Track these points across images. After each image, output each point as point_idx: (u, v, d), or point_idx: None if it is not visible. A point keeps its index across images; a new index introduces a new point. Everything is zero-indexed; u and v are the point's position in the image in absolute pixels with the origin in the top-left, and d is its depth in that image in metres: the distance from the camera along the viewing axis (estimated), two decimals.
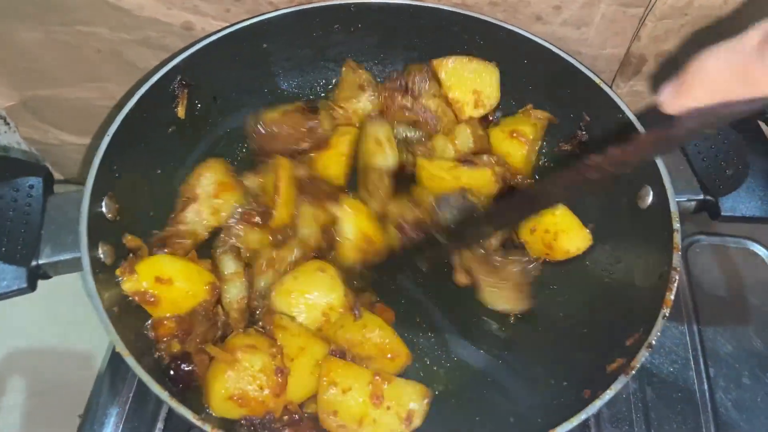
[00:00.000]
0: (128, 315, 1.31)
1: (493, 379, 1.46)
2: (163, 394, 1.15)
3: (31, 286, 1.29)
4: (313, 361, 1.34)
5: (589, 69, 1.55)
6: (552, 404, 1.34)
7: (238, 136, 1.70)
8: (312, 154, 1.66)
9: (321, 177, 1.64)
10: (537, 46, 1.59)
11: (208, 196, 1.53)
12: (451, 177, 1.56)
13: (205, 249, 1.53)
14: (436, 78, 1.67)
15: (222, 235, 1.52)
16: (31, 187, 1.37)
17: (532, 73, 1.66)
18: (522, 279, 1.48)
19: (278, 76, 1.74)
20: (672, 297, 1.25)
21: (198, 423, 1.13)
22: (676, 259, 1.29)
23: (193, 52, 1.54)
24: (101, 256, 1.31)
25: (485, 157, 1.59)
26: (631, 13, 1.55)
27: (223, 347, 1.31)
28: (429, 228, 1.52)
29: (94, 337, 1.71)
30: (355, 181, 1.66)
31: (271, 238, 1.53)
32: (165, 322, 1.36)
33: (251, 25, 1.59)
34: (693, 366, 1.61)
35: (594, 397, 1.16)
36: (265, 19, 1.59)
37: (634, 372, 1.18)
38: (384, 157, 1.63)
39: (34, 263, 1.30)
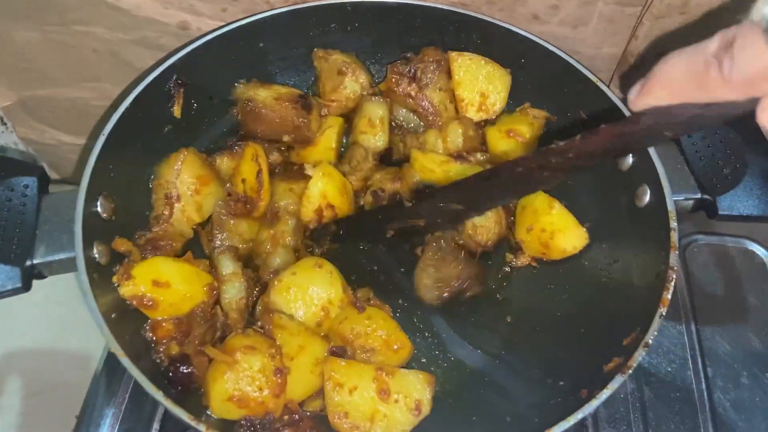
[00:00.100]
0: (126, 317, 1.31)
1: (490, 379, 1.45)
2: (158, 395, 1.14)
3: (26, 286, 1.29)
4: (313, 360, 1.34)
5: (586, 68, 1.55)
6: (549, 404, 1.33)
7: (234, 135, 1.69)
8: (295, 149, 1.67)
9: (293, 162, 1.68)
10: (535, 45, 1.59)
11: (191, 194, 1.53)
12: (441, 171, 1.57)
13: (200, 249, 1.53)
14: (446, 71, 1.67)
15: (215, 232, 1.52)
16: (26, 186, 1.37)
17: (530, 72, 1.66)
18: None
19: (275, 75, 1.73)
20: (669, 296, 1.25)
21: (192, 423, 1.13)
22: (673, 258, 1.29)
23: (190, 51, 1.54)
24: (96, 255, 1.30)
25: (478, 155, 1.60)
26: (629, 13, 1.54)
27: (221, 348, 1.31)
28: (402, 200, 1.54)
29: (91, 338, 1.71)
30: None
31: (259, 224, 1.56)
32: (163, 324, 1.36)
33: (247, 24, 1.59)
34: (691, 366, 1.61)
35: (591, 396, 1.16)
36: (261, 19, 1.60)
37: (631, 371, 1.18)
38: (374, 139, 1.66)
39: (28, 263, 1.30)
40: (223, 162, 1.61)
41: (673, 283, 1.27)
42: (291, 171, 1.64)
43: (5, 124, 1.88)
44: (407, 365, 1.43)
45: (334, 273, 1.44)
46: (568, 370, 1.39)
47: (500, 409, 1.39)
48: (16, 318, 1.76)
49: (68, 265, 1.30)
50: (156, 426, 1.49)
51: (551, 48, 1.57)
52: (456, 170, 1.57)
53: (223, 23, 1.61)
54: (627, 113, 1.47)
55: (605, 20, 1.57)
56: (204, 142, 1.67)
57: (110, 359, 1.60)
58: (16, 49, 1.66)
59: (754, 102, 0.77)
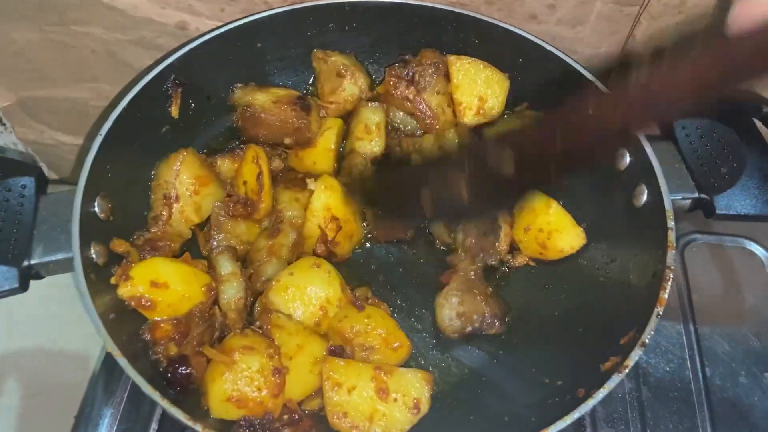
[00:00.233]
0: (124, 318, 1.31)
1: (488, 379, 1.46)
2: (155, 395, 1.14)
3: (23, 287, 1.29)
4: (312, 359, 1.34)
5: (584, 68, 1.55)
6: (547, 403, 1.34)
7: (232, 135, 1.69)
8: (294, 150, 1.67)
9: (296, 169, 1.67)
10: (532, 45, 1.59)
11: (190, 194, 1.53)
12: None
13: (198, 249, 1.53)
14: (444, 75, 1.67)
15: (213, 233, 1.52)
16: (24, 187, 1.37)
17: (528, 72, 1.66)
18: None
19: (272, 76, 1.73)
20: (666, 296, 1.25)
21: (189, 423, 1.13)
22: (671, 257, 1.29)
23: (187, 51, 1.54)
24: (93, 256, 1.31)
25: None
26: (626, 12, 1.55)
27: (220, 349, 1.31)
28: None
29: (90, 338, 1.71)
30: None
31: (259, 227, 1.56)
32: (162, 325, 1.36)
33: (245, 24, 1.59)
34: (689, 365, 1.61)
35: (587, 396, 1.16)
36: (259, 19, 1.60)
37: (627, 371, 1.18)
38: (371, 145, 1.65)
39: (26, 263, 1.30)
40: (224, 163, 1.62)
41: (670, 283, 1.27)
42: (294, 179, 1.64)
43: (4, 124, 1.88)
44: (405, 365, 1.43)
45: (333, 272, 1.45)
46: (566, 369, 1.39)
47: (498, 408, 1.40)
48: (15, 318, 1.76)
49: (66, 266, 1.30)
50: (154, 426, 1.49)
51: (549, 48, 1.57)
52: None
53: (221, 23, 1.60)
54: None
55: (603, 20, 1.57)
56: (202, 142, 1.67)
57: (108, 359, 1.60)
58: (15, 50, 1.66)
59: None
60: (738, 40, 0.80)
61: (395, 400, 1.31)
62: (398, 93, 1.67)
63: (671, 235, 1.32)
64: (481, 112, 1.66)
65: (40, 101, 1.83)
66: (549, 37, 1.60)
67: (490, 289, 1.51)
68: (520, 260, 1.58)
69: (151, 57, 1.69)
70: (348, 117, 1.71)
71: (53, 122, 1.90)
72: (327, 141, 1.65)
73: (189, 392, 1.30)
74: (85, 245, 1.28)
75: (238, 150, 1.63)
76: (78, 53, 1.68)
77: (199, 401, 1.29)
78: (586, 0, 1.52)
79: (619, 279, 1.46)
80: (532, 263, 1.59)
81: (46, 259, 1.31)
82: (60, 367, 1.72)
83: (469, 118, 1.66)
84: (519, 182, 1.27)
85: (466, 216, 1.51)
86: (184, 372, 1.30)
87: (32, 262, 1.31)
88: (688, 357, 1.62)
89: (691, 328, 1.67)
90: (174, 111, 1.58)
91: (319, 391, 1.34)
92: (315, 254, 1.53)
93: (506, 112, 1.70)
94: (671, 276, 1.27)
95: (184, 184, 1.52)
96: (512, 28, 1.60)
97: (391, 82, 1.67)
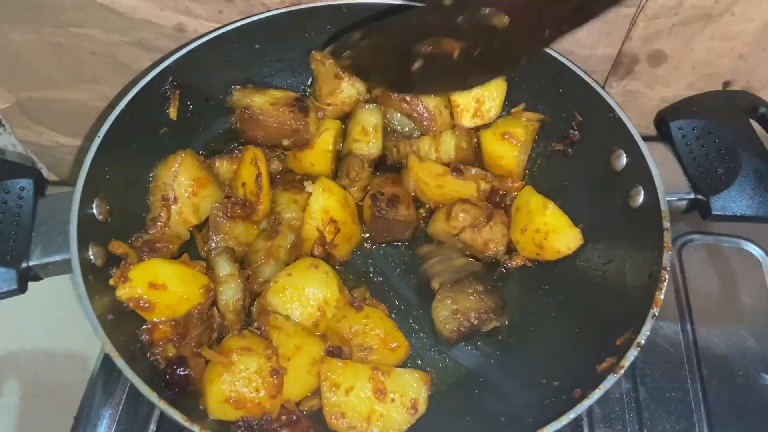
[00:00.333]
0: (123, 319, 1.32)
1: (485, 380, 1.46)
2: (152, 396, 1.15)
3: (21, 288, 1.30)
4: (310, 360, 1.34)
5: (581, 69, 1.56)
6: (543, 404, 1.34)
7: (230, 137, 1.69)
8: (292, 152, 1.67)
9: (294, 171, 1.68)
10: None
11: (188, 196, 1.54)
12: (435, 184, 1.59)
13: (196, 250, 1.54)
14: None
15: (211, 234, 1.53)
16: (22, 189, 1.38)
17: (525, 73, 1.65)
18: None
19: (270, 77, 1.73)
20: (662, 296, 1.26)
21: (186, 424, 1.13)
22: (666, 258, 1.30)
23: (185, 53, 1.55)
24: (92, 257, 1.31)
25: (473, 170, 1.60)
26: (623, 13, 1.55)
27: (218, 350, 1.31)
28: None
29: (89, 339, 1.70)
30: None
31: (257, 229, 1.56)
32: (160, 326, 1.37)
33: (243, 26, 1.59)
34: (686, 365, 1.61)
35: (583, 396, 1.17)
36: (257, 20, 1.60)
37: (623, 371, 1.18)
38: (368, 146, 1.66)
39: (24, 265, 1.31)
40: (223, 165, 1.62)
41: (665, 284, 1.27)
42: (292, 180, 1.64)
43: (3, 125, 1.89)
44: (403, 365, 1.43)
45: (330, 273, 1.45)
46: (563, 370, 1.39)
47: (495, 408, 1.40)
48: (14, 320, 1.77)
49: (64, 267, 1.30)
50: (153, 427, 1.50)
51: (546, 49, 1.57)
52: (450, 185, 1.59)
53: (219, 25, 1.61)
54: (622, 115, 1.47)
55: (600, 21, 1.56)
56: (200, 143, 1.68)
57: (107, 360, 1.61)
58: (14, 51, 1.67)
59: None
60: None
61: (393, 400, 1.31)
62: (395, 95, 1.67)
63: (667, 236, 1.32)
64: (479, 114, 1.66)
65: (39, 103, 1.83)
66: None
67: (481, 286, 1.51)
68: (517, 261, 1.58)
69: (150, 59, 1.70)
70: (346, 119, 1.72)
71: (52, 124, 1.91)
72: (325, 142, 1.65)
73: (187, 393, 1.31)
74: (83, 247, 1.29)
75: (236, 151, 1.63)
76: (77, 55, 1.69)
77: (198, 402, 1.29)
78: None
79: (616, 280, 1.46)
80: (529, 264, 1.59)
81: (45, 260, 1.32)
82: (59, 367, 1.72)
83: (466, 120, 1.67)
84: (512, 44, 1.29)
85: (457, 82, 1.50)
86: (182, 373, 1.30)
87: (31, 263, 1.32)
88: (685, 357, 1.62)
89: (689, 328, 1.67)
90: (172, 113, 1.58)
91: (317, 392, 1.34)
92: (313, 256, 1.53)
93: (503, 113, 1.70)
94: (667, 277, 1.28)
95: (182, 186, 1.53)
96: None
97: None
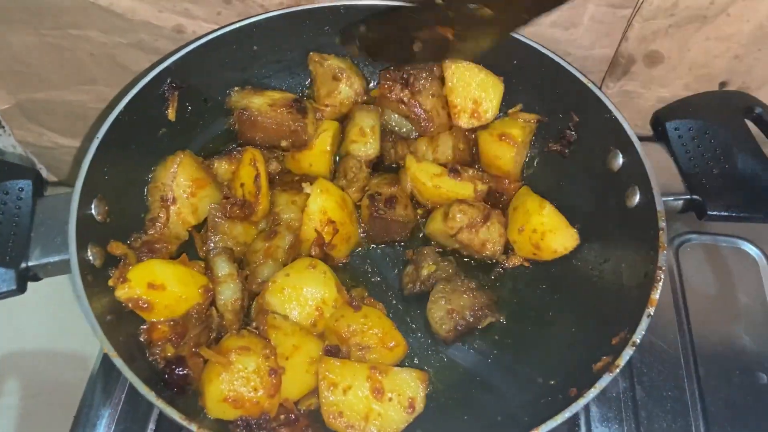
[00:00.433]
0: (122, 319, 1.33)
1: (482, 379, 1.46)
2: (151, 396, 1.16)
3: (20, 288, 1.30)
4: (308, 359, 1.35)
5: (577, 70, 1.56)
6: (540, 403, 1.35)
7: (229, 138, 1.70)
8: (290, 152, 1.67)
9: (293, 172, 1.68)
10: (526, 47, 1.59)
11: (187, 197, 1.54)
12: (432, 185, 1.60)
13: (195, 250, 1.54)
14: (439, 77, 1.67)
15: (210, 234, 1.53)
16: (21, 190, 1.39)
17: (522, 74, 1.66)
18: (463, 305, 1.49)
19: (269, 78, 1.74)
20: (657, 296, 1.26)
21: (184, 423, 1.14)
22: (662, 258, 1.30)
23: (184, 54, 1.55)
24: (90, 258, 1.32)
25: (471, 171, 1.61)
26: (619, 15, 1.55)
27: (216, 349, 1.32)
28: None
29: (88, 339, 1.71)
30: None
31: (256, 229, 1.57)
32: (159, 326, 1.38)
33: (241, 27, 1.60)
34: (683, 365, 1.61)
35: (579, 395, 1.17)
36: (255, 22, 1.60)
37: (618, 370, 1.19)
38: (365, 147, 1.66)
39: (23, 265, 1.31)
40: (221, 166, 1.62)
41: (661, 283, 1.27)
42: (291, 181, 1.65)
43: (3, 126, 1.90)
44: (401, 365, 1.44)
45: (328, 273, 1.46)
46: (559, 369, 1.40)
47: (492, 407, 1.41)
48: (14, 320, 1.78)
49: (63, 268, 1.31)
50: (152, 426, 1.50)
51: (543, 50, 1.58)
52: (447, 186, 1.59)
53: (218, 26, 1.61)
54: (618, 115, 1.48)
55: (596, 22, 1.58)
56: (198, 144, 1.68)
57: (107, 360, 1.60)
58: (13, 53, 1.68)
59: None
60: None
61: (390, 399, 1.32)
62: (393, 96, 1.67)
63: (662, 236, 1.32)
64: (476, 115, 1.66)
65: (39, 104, 1.84)
66: (543, 40, 1.60)
67: (474, 283, 1.51)
68: (514, 261, 1.59)
69: (149, 60, 1.71)
70: (344, 120, 1.72)
71: (52, 125, 1.91)
72: (323, 143, 1.65)
73: (186, 393, 1.31)
74: (81, 247, 1.29)
75: (235, 152, 1.64)
76: (76, 56, 1.70)
77: (196, 402, 1.30)
78: (580, 2, 1.53)
79: (612, 279, 1.46)
80: (526, 264, 1.59)
81: (44, 260, 1.32)
82: (59, 367, 1.73)
83: (463, 121, 1.67)
84: (499, 24, 1.46)
85: (456, 52, 1.56)
86: (181, 373, 1.31)
87: (30, 264, 1.32)
88: (682, 356, 1.62)
89: (686, 327, 1.67)
90: (171, 114, 1.58)
91: (315, 391, 1.34)
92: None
93: (500, 114, 1.70)
94: (662, 277, 1.28)
95: (181, 187, 1.53)
96: None
97: (386, 85, 1.67)
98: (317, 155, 1.66)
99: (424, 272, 1.54)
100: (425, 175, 1.59)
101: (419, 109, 1.67)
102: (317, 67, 1.71)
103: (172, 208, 1.52)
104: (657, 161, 1.43)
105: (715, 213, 1.43)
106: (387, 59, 1.66)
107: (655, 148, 1.52)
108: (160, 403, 1.15)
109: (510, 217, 1.60)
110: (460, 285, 1.50)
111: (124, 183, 1.49)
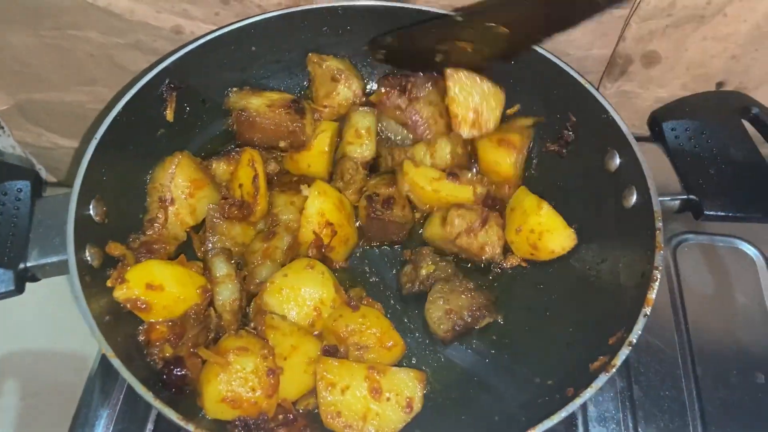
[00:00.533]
0: (120, 320, 1.33)
1: (479, 379, 1.47)
2: (148, 396, 1.16)
3: (19, 289, 1.31)
4: (306, 359, 1.35)
5: (575, 70, 1.56)
6: (536, 402, 1.35)
7: (227, 139, 1.70)
8: (288, 153, 1.68)
9: (291, 173, 1.68)
10: None
11: (185, 197, 1.54)
12: (431, 189, 1.59)
13: (193, 251, 1.54)
14: (438, 86, 1.67)
15: (208, 235, 1.53)
16: (20, 190, 1.39)
17: (520, 75, 1.66)
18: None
19: (267, 79, 1.74)
20: (654, 296, 1.26)
21: (182, 424, 1.14)
22: (659, 258, 1.30)
23: (182, 55, 1.55)
24: (88, 258, 1.32)
25: (469, 175, 1.60)
26: (617, 15, 1.55)
27: (215, 350, 1.32)
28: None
29: (87, 340, 1.71)
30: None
31: (254, 230, 1.57)
32: (157, 326, 1.38)
33: (240, 28, 1.60)
34: (680, 364, 1.61)
35: (575, 395, 1.17)
36: (254, 22, 1.61)
37: (614, 370, 1.19)
38: (361, 149, 1.67)
39: (21, 266, 1.31)
40: (220, 166, 1.62)
41: (657, 283, 1.28)
42: (289, 182, 1.65)
43: (2, 127, 1.90)
44: (398, 365, 1.44)
45: (326, 273, 1.46)
46: (557, 369, 1.40)
47: (489, 407, 1.41)
48: (12, 320, 1.78)
49: (61, 268, 1.31)
50: (150, 426, 1.50)
51: (540, 50, 1.58)
52: (446, 190, 1.59)
53: (216, 27, 1.62)
54: (615, 116, 1.48)
55: (594, 22, 1.57)
56: (197, 145, 1.68)
57: (105, 360, 1.61)
58: (12, 53, 1.68)
59: None
60: None
61: (388, 399, 1.32)
62: (390, 102, 1.67)
63: (659, 236, 1.32)
64: (477, 124, 1.66)
65: (38, 104, 1.84)
66: None
67: (472, 283, 1.52)
68: (512, 261, 1.59)
69: (148, 60, 1.71)
70: (342, 121, 1.72)
71: (50, 125, 1.92)
72: (321, 144, 1.66)
73: (184, 393, 1.31)
74: (80, 248, 1.29)
75: (233, 153, 1.64)
76: (75, 57, 1.70)
77: (195, 402, 1.30)
78: None
79: (609, 279, 1.47)
80: (523, 264, 1.60)
81: (42, 261, 1.33)
82: (57, 367, 1.73)
83: (464, 130, 1.66)
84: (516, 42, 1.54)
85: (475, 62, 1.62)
86: (179, 373, 1.31)
87: (28, 264, 1.32)
88: (679, 356, 1.62)
89: (683, 327, 1.67)
90: (169, 114, 1.59)
91: (314, 391, 1.34)
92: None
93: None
94: (659, 276, 1.28)
95: (179, 187, 1.53)
96: None
97: (384, 92, 1.68)
98: (315, 156, 1.66)
99: (423, 272, 1.54)
100: (424, 180, 1.59)
101: (416, 117, 1.67)
102: (316, 68, 1.72)
103: (170, 208, 1.52)
104: (654, 161, 1.44)
105: (712, 213, 1.44)
106: (411, 69, 1.70)
107: (652, 148, 1.53)
108: (158, 404, 1.15)
109: (507, 217, 1.60)
110: (458, 285, 1.51)
111: (123, 184, 1.49)
